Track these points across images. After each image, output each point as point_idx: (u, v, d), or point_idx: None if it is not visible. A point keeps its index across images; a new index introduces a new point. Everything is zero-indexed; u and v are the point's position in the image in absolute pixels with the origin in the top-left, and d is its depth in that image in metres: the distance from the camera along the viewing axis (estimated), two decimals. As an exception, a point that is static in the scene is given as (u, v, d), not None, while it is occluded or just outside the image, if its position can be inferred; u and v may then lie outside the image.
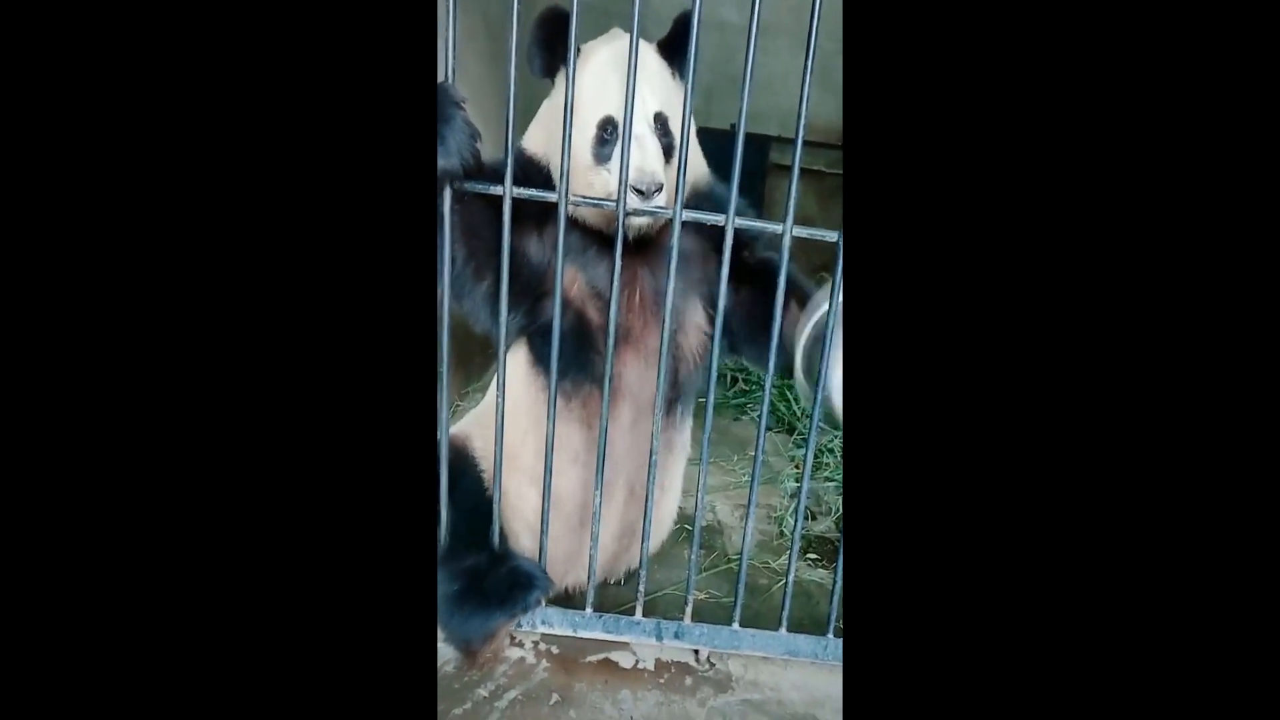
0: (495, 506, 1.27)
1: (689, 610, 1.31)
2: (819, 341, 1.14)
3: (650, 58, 1.21)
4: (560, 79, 1.24)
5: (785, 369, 1.24)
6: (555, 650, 1.33)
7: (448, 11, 1.03)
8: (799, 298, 1.26)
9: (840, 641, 1.31)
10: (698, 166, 1.32)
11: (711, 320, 1.31)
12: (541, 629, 1.33)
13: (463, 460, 1.34)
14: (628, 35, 1.06)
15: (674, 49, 1.23)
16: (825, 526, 1.96)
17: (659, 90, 1.20)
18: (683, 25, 1.18)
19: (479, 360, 2.73)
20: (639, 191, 1.10)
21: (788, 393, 2.76)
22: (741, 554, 1.27)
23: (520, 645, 1.34)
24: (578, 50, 1.13)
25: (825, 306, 1.13)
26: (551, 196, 1.11)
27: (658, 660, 1.33)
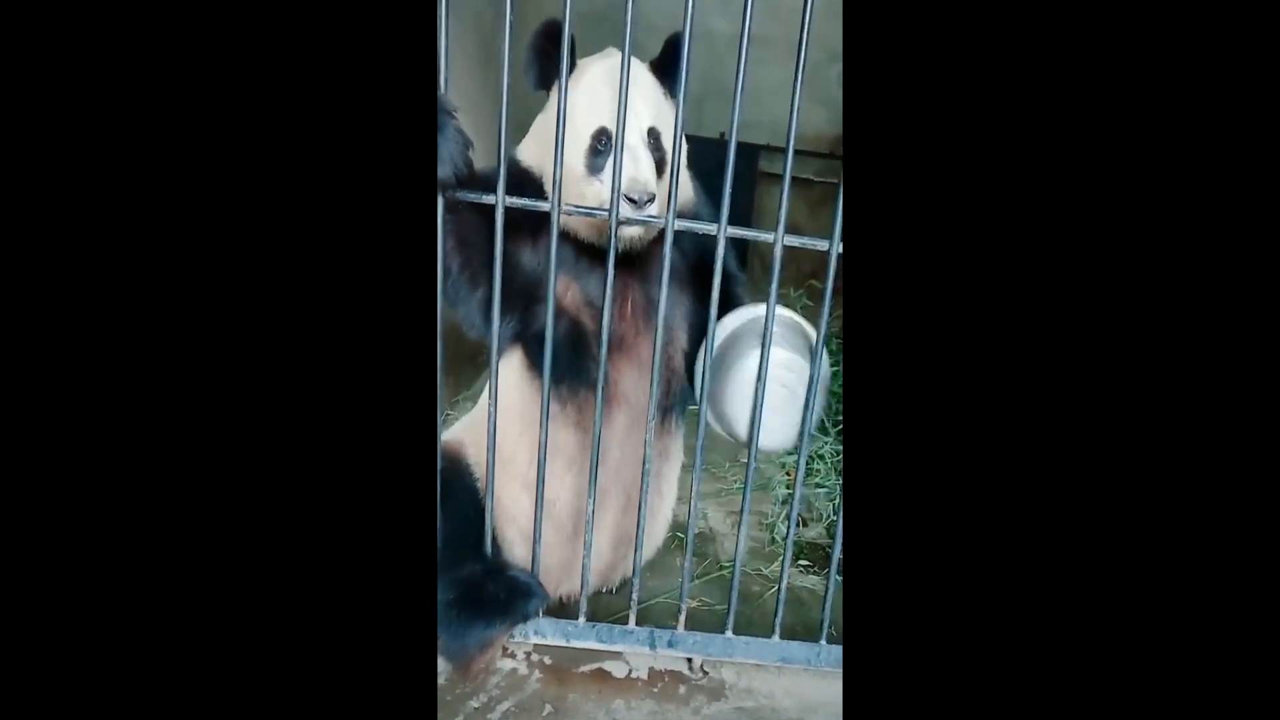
0: (488, 515, 1.26)
1: (682, 619, 1.30)
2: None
3: (644, 76, 1.23)
4: (555, 91, 1.25)
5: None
6: (548, 661, 1.32)
7: (440, 21, 1.03)
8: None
9: (833, 648, 1.31)
10: (686, 187, 1.33)
11: (692, 341, 1.32)
12: (534, 639, 1.32)
13: (456, 468, 1.33)
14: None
15: (666, 69, 1.24)
16: (816, 533, 1.96)
17: (652, 106, 1.21)
18: (674, 46, 1.20)
19: (469, 369, 2.72)
20: (631, 200, 1.10)
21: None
22: (735, 561, 1.27)
23: (512, 656, 1.33)
24: (573, 64, 1.13)
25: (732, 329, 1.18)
26: (544, 206, 1.11)
27: (651, 669, 1.33)
